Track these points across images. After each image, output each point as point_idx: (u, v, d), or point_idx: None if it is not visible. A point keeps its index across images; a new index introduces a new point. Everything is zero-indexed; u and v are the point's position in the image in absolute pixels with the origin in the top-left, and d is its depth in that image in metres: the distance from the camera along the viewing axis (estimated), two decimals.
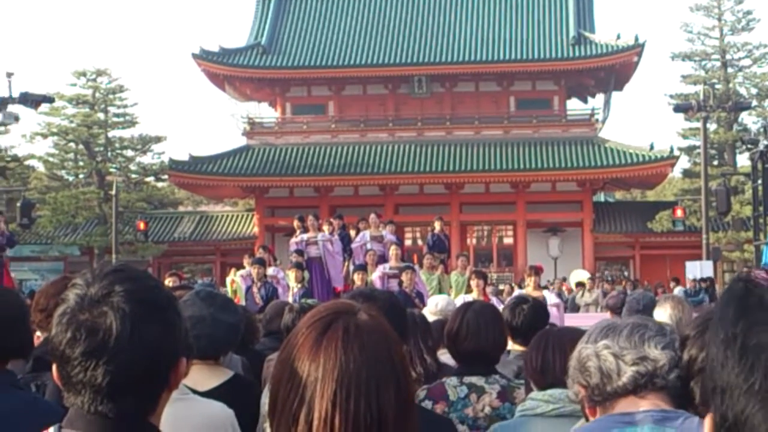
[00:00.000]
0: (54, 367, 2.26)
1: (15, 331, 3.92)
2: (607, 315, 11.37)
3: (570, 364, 3.00)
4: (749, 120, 56.04)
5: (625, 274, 54.30)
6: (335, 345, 1.99)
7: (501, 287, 32.80)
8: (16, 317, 3.97)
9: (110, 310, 2.19)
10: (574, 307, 31.74)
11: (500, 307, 6.93)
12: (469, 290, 17.85)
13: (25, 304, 4.21)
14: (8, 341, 3.88)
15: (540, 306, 6.69)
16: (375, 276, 20.04)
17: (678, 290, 31.52)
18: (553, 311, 17.57)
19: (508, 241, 57.57)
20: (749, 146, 36.06)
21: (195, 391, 4.17)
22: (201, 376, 4.51)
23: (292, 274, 20.26)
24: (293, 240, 23.70)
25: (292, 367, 2.01)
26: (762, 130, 33.30)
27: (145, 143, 57.49)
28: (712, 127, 50.86)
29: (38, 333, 5.03)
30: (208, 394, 4.31)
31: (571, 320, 19.00)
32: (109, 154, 57.33)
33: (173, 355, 2.27)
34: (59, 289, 4.80)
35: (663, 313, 6.44)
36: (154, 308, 2.24)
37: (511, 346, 6.35)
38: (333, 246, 22.95)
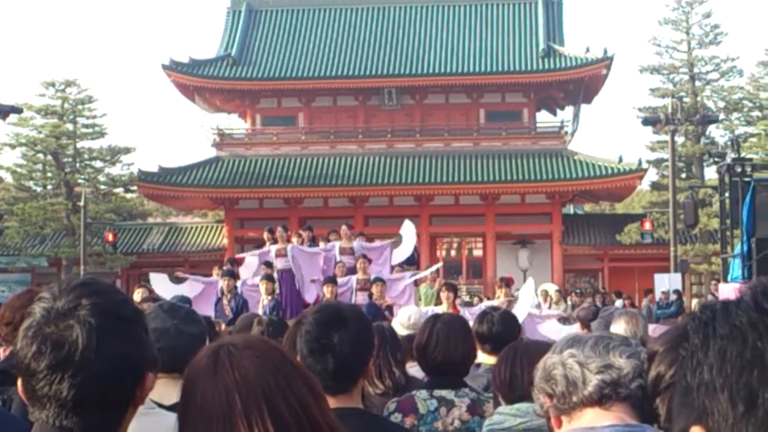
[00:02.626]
0: (20, 381, 2.24)
1: None
2: (576, 327, 11.40)
3: (535, 374, 3.01)
4: (717, 133, 56.48)
5: (595, 286, 54.45)
6: (218, 377, 2.24)
7: (467, 299, 32.77)
8: None
9: (77, 324, 2.18)
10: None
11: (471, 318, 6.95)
12: (438, 302, 17.87)
13: None
14: None
15: (509, 315, 6.71)
16: (341, 284, 20.08)
17: (619, 303, 31.55)
18: (553, 325, 17.55)
19: (478, 253, 57.64)
20: (717, 159, 36.31)
21: (161, 405, 4.15)
22: (166, 390, 4.47)
23: (263, 286, 20.21)
24: (249, 254, 23.62)
25: (184, 400, 2.30)
26: (729, 143, 33.56)
27: (114, 154, 57.24)
28: (680, 140, 51.10)
29: (3, 347, 4.99)
30: (174, 408, 4.28)
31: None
32: (78, 165, 57.05)
33: (140, 369, 2.26)
34: (24, 302, 4.77)
35: (618, 329, 6.53)
36: (121, 322, 2.24)
37: (482, 359, 6.36)
38: (304, 251, 22.93)
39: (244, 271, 23.00)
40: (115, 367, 2.18)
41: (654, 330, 8.11)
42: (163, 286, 20.83)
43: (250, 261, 23.52)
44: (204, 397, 2.16)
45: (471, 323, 6.26)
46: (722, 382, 1.44)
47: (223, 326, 10.94)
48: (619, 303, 31.28)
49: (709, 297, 37.35)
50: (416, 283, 21.72)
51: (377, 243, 23.58)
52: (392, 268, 22.90)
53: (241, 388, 2.13)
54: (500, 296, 16.99)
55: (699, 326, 1.53)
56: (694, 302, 36.27)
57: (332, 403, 3.43)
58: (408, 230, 24.86)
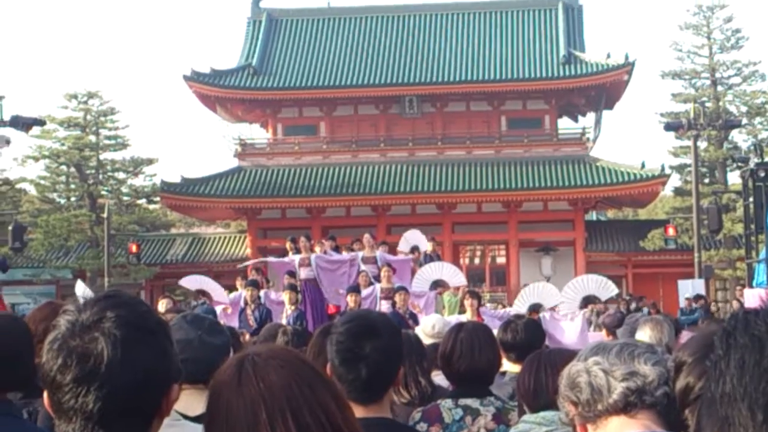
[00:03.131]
0: (45, 394, 2.25)
1: (19, 363, 3.89)
2: (602, 335, 11.35)
3: (560, 382, 3.00)
4: (740, 138, 56.14)
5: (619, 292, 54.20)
6: (244, 389, 2.24)
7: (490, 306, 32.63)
8: (21, 349, 3.94)
9: (101, 336, 2.19)
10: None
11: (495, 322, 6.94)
12: (462, 310, 17.84)
13: (29, 333, 4.17)
14: (12, 373, 3.86)
15: (534, 323, 6.69)
16: (364, 295, 20.09)
17: (646, 309, 31.35)
18: (573, 330, 17.34)
19: (501, 260, 57.57)
20: (740, 164, 36.08)
21: (186, 417, 4.15)
22: (191, 401, 4.47)
23: (286, 296, 20.24)
24: (273, 261, 23.71)
25: (211, 411, 2.29)
26: (752, 148, 33.34)
27: (136, 165, 57.39)
28: (702, 145, 50.93)
29: None
30: (199, 419, 4.27)
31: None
32: (101, 176, 57.22)
33: (165, 380, 2.27)
34: (46, 315, 4.79)
35: (643, 336, 6.51)
36: (146, 334, 2.24)
37: (507, 367, 6.34)
38: (328, 260, 22.99)
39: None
40: (140, 379, 2.19)
41: (683, 337, 8.07)
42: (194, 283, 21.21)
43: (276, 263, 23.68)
44: (229, 408, 2.16)
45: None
46: (742, 392, 1.44)
47: (248, 336, 10.96)
48: (646, 309, 31.09)
49: (734, 303, 37.16)
50: (439, 292, 21.68)
51: (400, 257, 23.52)
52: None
53: (265, 399, 2.13)
54: (468, 309, 16.85)
55: (723, 336, 1.53)
56: (718, 308, 36.07)
57: (363, 412, 3.43)
58: (412, 239, 24.88)
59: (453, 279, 21.33)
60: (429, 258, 24.38)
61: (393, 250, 24.55)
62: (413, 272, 22.89)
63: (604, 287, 18.28)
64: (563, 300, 18.03)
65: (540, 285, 19.18)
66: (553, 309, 18.07)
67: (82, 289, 20.35)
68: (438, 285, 21.38)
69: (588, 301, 18.79)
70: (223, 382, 2.18)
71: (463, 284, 21.67)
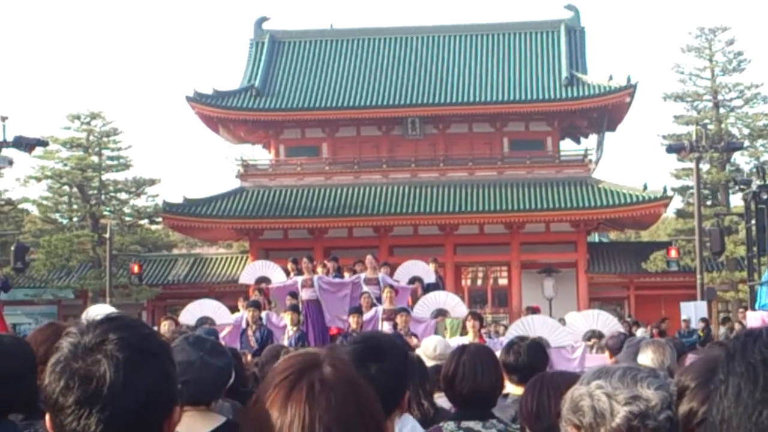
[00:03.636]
0: (47, 416, 2.25)
1: (23, 385, 3.89)
2: (605, 357, 11.32)
3: (563, 405, 3.00)
4: (742, 160, 56.22)
5: (620, 314, 54.18)
6: (302, 403, 2.03)
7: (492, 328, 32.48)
8: (24, 370, 3.94)
9: (104, 358, 2.19)
10: None
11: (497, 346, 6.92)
12: (464, 332, 17.80)
13: (33, 356, 4.17)
14: (16, 395, 3.86)
15: (537, 345, 6.66)
16: (367, 318, 20.06)
17: (640, 332, 31.27)
18: (574, 355, 17.33)
19: (503, 282, 57.54)
20: (742, 186, 36.11)
21: None
22: (193, 423, 4.47)
23: (288, 317, 20.23)
24: (273, 285, 23.73)
25: (261, 425, 2.06)
26: (755, 170, 33.41)
27: (139, 186, 57.45)
28: (704, 167, 50.95)
29: None
30: None
31: None
32: (103, 197, 57.28)
33: (167, 402, 2.27)
34: (47, 336, 4.78)
35: (645, 359, 6.50)
36: (148, 356, 2.24)
37: (510, 389, 6.33)
38: (330, 282, 23.00)
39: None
40: (142, 401, 2.19)
41: (687, 360, 8.06)
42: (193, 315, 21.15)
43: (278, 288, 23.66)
44: (287, 424, 2.07)
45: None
46: (737, 422, 1.44)
47: (249, 357, 10.94)
48: (640, 332, 31.02)
49: (736, 325, 37.09)
50: (440, 319, 21.62)
51: (403, 285, 23.50)
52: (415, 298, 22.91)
53: (333, 418, 2.05)
54: (469, 330, 16.80)
55: (725, 360, 1.53)
56: (721, 330, 35.96)
57: None
58: (412, 269, 24.76)
59: (455, 309, 21.33)
60: (433, 286, 24.26)
61: (395, 271, 24.51)
62: (412, 302, 22.88)
63: (609, 325, 18.30)
64: (563, 334, 17.94)
65: (538, 318, 19.09)
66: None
67: (99, 309, 20.45)
68: (440, 313, 21.37)
69: (592, 335, 18.79)
70: (282, 396, 2.09)
71: (464, 315, 21.67)
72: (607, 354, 10.64)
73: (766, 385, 1.43)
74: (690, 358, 8.92)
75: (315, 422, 2.00)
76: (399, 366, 3.71)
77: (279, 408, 2.04)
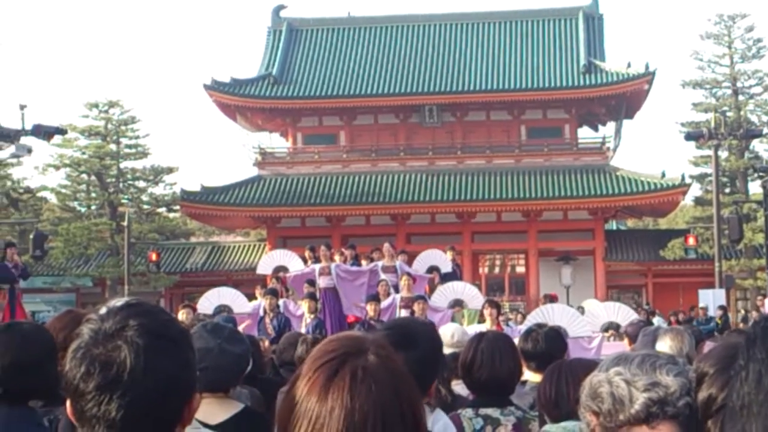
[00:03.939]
0: (68, 402, 2.26)
1: (43, 371, 3.91)
2: (624, 344, 11.31)
3: (582, 392, 2.99)
4: (761, 147, 56.02)
5: (639, 302, 54.11)
6: (343, 391, 1.99)
7: (511, 316, 32.51)
8: (44, 357, 3.96)
9: (124, 344, 2.20)
10: None
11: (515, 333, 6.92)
12: (481, 320, 17.80)
13: (53, 342, 4.19)
14: (36, 382, 3.88)
15: (556, 333, 6.66)
16: (384, 305, 20.07)
17: (657, 320, 31.23)
18: (591, 345, 17.32)
19: (520, 270, 57.49)
20: (761, 174, 36.02)
21: (206, 425, 4.16)
22: (211, 410, 4.49)
23: (305, 305, 20.26)
24: (291, 274, 23.72)
25: (299, 409, 2.02)
26: None
27: (156, 174, 57.57)
28: (723, 154, 50.79)
29: None
30: (220, 428, 4.30)
31: None
32: (121, 185, 57.43)
33: (187, 389, 2.27)
34: (66, 324, 4.80)
35: (664, 346, 6.49)
36: (168, 342, 2.25)
37: (528, 376, 6.33)
38: (348, 270, 23.02)
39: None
40: (162, 387, 2.19)
41: (705, 347, 8.05)
42: (211, 304, 21.16)
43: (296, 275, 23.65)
44: (327, 412, 2.00)
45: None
46: (757, 409, 1.43)
47: (267, 343, 10.96)
48: (656, 320, 30.98)
49: (754, 313, 36.99)
50: (457, 310, 21.59)
51: (420, 274, 23.45)
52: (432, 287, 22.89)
53: (373, 407, 2.00)
54: (487, 318, 16.75)
55: (745, 345, 1.52)
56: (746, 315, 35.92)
57: None
58: (430, 259, 24.68)
59: (473, 300, 21.27)
60: (450, 275, 24.20)
61: (412, 260, 24.49)
62: (429, 291, 22.86)
63: (628, 318, 18.26)
64: (581, 324, 17.90)
65: (557, 307, 19.04)
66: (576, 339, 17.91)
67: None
68: (456, 304, 21.34)
69: (610, 326, 18.78)
70: (322, 381, 2.05)
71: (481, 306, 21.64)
72: (626, 341, 10.63)
73: None
74: (708, 345, 8.90)
75: (355, 411, 1.97)
76: (428, 355, 3.70)
77: (318, 392, 1.98)
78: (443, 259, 24.74)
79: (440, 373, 5.99)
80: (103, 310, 2.30)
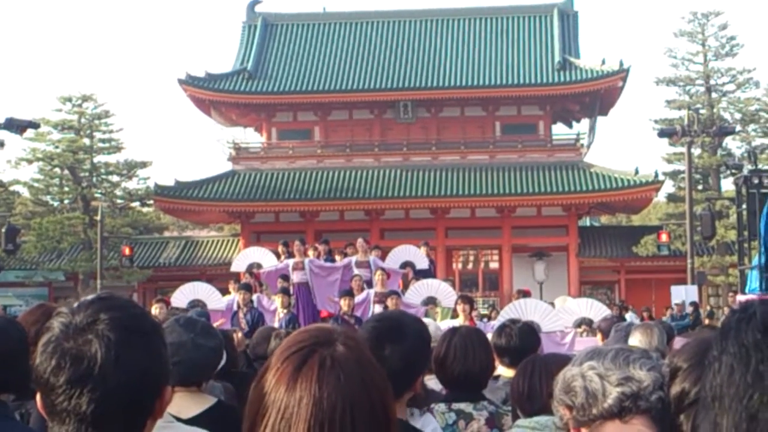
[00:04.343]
0: (38, 396, 2.24)
1: (15, 365, 3.89)
2: (596, 340, 11.36)
3: (555, 386, 3.00)
4: (733, 145, 56.31)
5: (611, 298, 54.33)
6: (311, 380, 1.99)
7: (485, 311, 32.53)
8: (17, 351, 3.94)
9: (95, 338, 2.18)
10: None
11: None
12: (455, 315, 17.82)
13: (25, 336, 4.16)
14: (8, 375, 3.86)
15: (529, 328, 6.67)
16: (358, 300, 20.07)
17: (629, 316, 31.35)
18: (564, 341, 17.38)
19: (494, 265, 57.55)
20: (734, 171, 36.22)
21: (178, 419, 4.14)
22: (184, 403, 4.47)
23: (278, 300, 20.25)
24: (265, 270, 23.69)
25: (267, 399, 2.02)
26: (746, 154, 33.49)
27: (130, 168, 57.40)
28: (696, 151, 50.99)
29: None
30: (192, 422, 4.28)
31: None
32: (95, 179, 57.21)
33: (158, 382, 2.27)
34: (38, 318, 4.78)
35: (634, 341, 6.53)
36: (140, 336, 2.24)
37: (501, 371, 6.33)
38: (321, 266, 23.02)
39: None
40: (134, 381, 2.18)
41: (676, 343, 8.09)
42: (186, 297, 21.09)
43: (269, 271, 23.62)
44: (294, 402, 1.98)
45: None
46: (729, 402, 1.44)
47: (240, 335, 10.94)
48: (629, 316, 31.13)
49: (726, 309, 37.20)
50: (430, 307, 21.59)
51: (394, 268, 23.46)
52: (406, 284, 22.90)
53: (341, 396, 2.00)
54: (459, 314, 16.76)
55: (719, 337, 1.53)
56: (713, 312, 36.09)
57: None
58: (404, 255, 24.65)
59: (446, 299, 21.28)
60: (425, 272, 24.20)
61: (386, 255, 24.49)
62: (403, 287, 22.87)
63: (601, 314, 18.34)
64: (554, 319, 17.95)
65: (529, 302, 19.07)
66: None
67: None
68: (430, 302, 21.34)
69: (582, 322, 18.85)
70: (290, 372, 2.04)
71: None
72: (599, 336, 10.68)
73: (757, 369, 1.43)
74: (678, 341, 8.95)
75: (323, 401, 1.97)
76: (415, 348, 3.70)
77: (287, 382, 1.99)
78: (418, 255, 24.73)
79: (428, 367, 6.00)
80: (74, 304, 2.29)
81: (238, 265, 25.45)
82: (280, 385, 2.01)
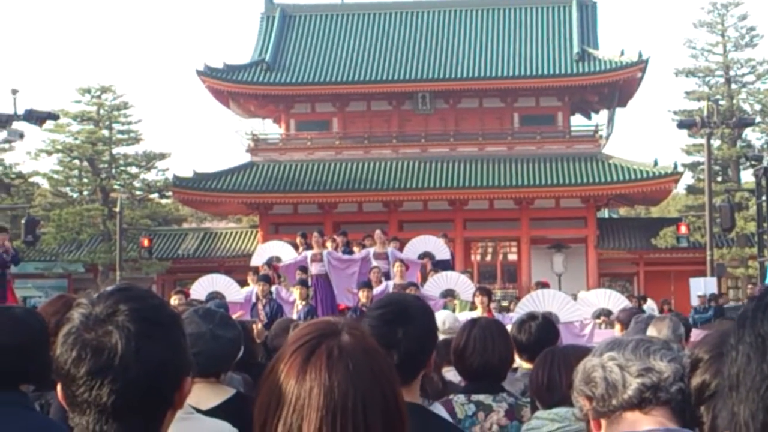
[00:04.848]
0: (59, 387, 2.25)
1: (35, 356, 3.90)
2: (615, 331, 11.33)
3: (575, 377, 3.00)
4: (753, 136, 56.07)
5: (630, 290, 54.22)
6: (321, 370, 2.02)
7: (504, 304, 32.48)
8: (37, 341, 3.95)
9: (115, 329, 2.19)
10: None
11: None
12: (473, 307, 17.82)
13: (45, 327, 4.18)
14: (29, 366, 3.87)
15: (549, 323, 6.65)
16: (377, 292, 20.06)
17: (648, 306, 31.27)
18: (584, 332, 17.34)
19: (512, 257, 57.51)
20: (753, 162, 36.09)
21: (198, 410, 4.15)
22: (203, 395, 4.48)
23: (297, 291, 20.27)
24: (284, 263, 23.70)
25: (278, 392, 2.04)
26: (766, 146, 33.36)
27: (149, 160, 57.54)
28: (716, 143, 50.82)
29: None
30: (211, 413, 4.29)
31: None
32: (114, 170, 57.38)
33: (178, 373, 2.27)
34: (57, 309, 4.79)
35: (653, 332, 6.52)
36: (159, 327, 2.24)
37: (519, 363, 6.32)
38: (340, 258, 23.03)
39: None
40: (154, 372, 2.19)
41: (695, 335, 8.07)
42: (204, 290, 21.12)
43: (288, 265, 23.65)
44: (306, 391, 2.01)
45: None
46: (746, 392, 1.44)
47: (260, 326, 10.97)
48: (647, 306, 30.99)
49: (746, 301, 37.06)
50: (449, 300, 21.57)
51: (413, 259, 23.46)
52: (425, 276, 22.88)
53: (351, 385, 2.01)
54: (478, 306, 16.73)
55: (736, 327, 1.52)
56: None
57: None
58: (422, 245, 24.62)
59: (464, 292, 21.27)
60: (445, 262, 24.17)
61: (404, 247, 24.47)
62: (421, 278, 22.87)
63: (620, 304, 18.29)
64: (572, 309, 17.92)
65: (548, 293, 19.03)
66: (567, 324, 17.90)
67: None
68: (449, 294, 21.33)
69: (601, 312, 18.83)
70: (299, 363, 2.06)
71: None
72: (618, 327, 10.65)
73: None
74: (695, 333, 8.93)
75: (334, 389, 1.99)
76: (425, 328, 3.72)
77: (297, 374, 2.02)
78: (438, 245, 24.72)
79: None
80: (93, 295, 2.30)
81: (258, 259, 25.47)
82: (290, 377, 2.03)
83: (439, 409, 4.45)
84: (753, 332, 1.47)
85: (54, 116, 33.38)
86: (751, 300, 1.54)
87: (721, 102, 53.07)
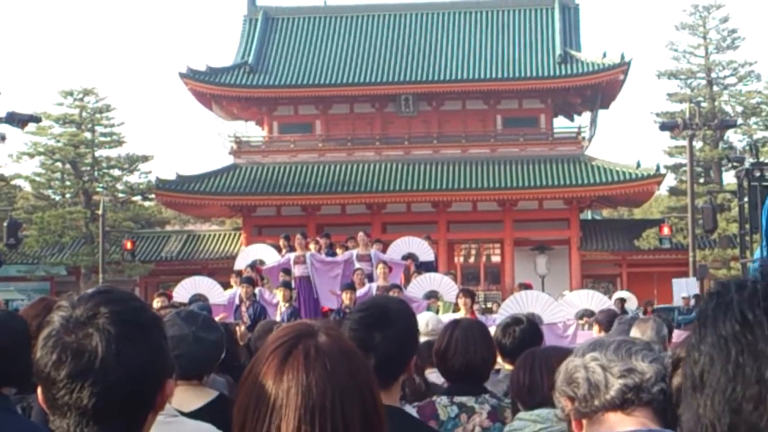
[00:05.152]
0: (39, 390, 2.24)
1: (17, 358, 3.88)
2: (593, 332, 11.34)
3: (557, 377, 2.99)
4: (735, 138, 56.25)
5: (612, 291, 54.29)
6: (297, 370, 2.03)
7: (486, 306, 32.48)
8: (18, 344, 3.93)
9: (96, 332, 2.18)
10: None
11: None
12: (456, 309, 17.81)
13: (27, 329, 4.16)
14: (10, 369, 3.85)
15: (533, 326, 6.64)
16: (360, 294, 20.05)
17: (629, 303, 31.28)
18: (567, 333, 17.35)
19: (496, 259, 57.56)
20: (735, 164, 36.08)
21: (181, 412, 4.14)
22: (186, 397, 4.47)
23: (280, 293, 20.24)
24: (268, 266, 23.66)
25: (257, 394, 2.05)
26: (747, 147, 33.44)
27: (132, 162, 57.41)
28: (698, 145, 50.95)
29: None
30: (194, 415, 4.28)
31: None
32: (96, 173, 57.23)
33: (159, 376, 2.26)
34: (39, 312, 4.77)
35: (635, 333, 6.53)
36: (140, 329, 2.23)
37: (502, 364, 6.32)
38: (323, 260, 23.00)
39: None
40: (135, 375, 2.18)
41: (678, 336, 8.09)
42: (187, 292, 21.04)
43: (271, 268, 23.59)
44: (283, 392, 2.01)
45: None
46: (711, 393, 1.43)
47: (243, 328, 10.94)
48: (628, 305, 30.99)
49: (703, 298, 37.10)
50: (432, 302, 21.56)
51: (397, 260, 23.45)
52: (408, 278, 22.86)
53: (329, 385, 2.03)
54: (461, 308, 16.72)
55: (697, 325, 1.51)
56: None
57: None
58: (405, 246, 24.61)
59: (448, 293, 21.24)
60: (428, 264, 24.18)
61: (387, 249, 24.47)
62: (404, 279, 22.85)
63: (602, 305, 18.33)
64: (556, 311, 17.92)
65: (531, 294, 19.04)
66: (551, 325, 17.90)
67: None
68: (432, 295, 21.30)
69: (584, 313, 18.85)
70: (277, 364, 2.09)
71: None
72: (596, 328, 10.65)
73: (737, 361, 1.42)
74: (677, 334, 8.95)
75: (312, 388, 2.00)
76: (405, 332, 3.71)
77: (274, 375, 2.03)
78: (422, 247, 24.71)
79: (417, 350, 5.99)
80: (73, 298, 2.29)
81: (241, 262, 25.36)
82: (268, 378, 2.04)
83: (411, 411, 4.45)
84: (715, 333, 1.46)
85: (36, 119, 33.26)
86: (710, 297, 1.53)
87: (703, 104, 53.23)
